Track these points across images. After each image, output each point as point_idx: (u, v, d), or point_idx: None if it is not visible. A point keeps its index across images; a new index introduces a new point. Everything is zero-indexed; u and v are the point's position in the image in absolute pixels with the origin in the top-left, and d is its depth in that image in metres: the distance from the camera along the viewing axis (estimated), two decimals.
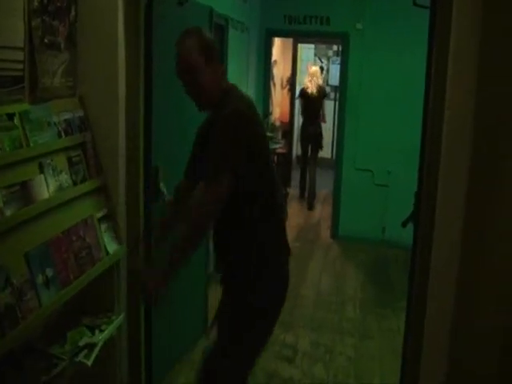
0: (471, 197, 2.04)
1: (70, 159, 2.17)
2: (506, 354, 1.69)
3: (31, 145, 1.94)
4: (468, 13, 1.98)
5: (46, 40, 2.10)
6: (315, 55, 9.60)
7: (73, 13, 2.27)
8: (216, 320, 2.16)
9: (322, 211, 6.84)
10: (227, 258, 2.05)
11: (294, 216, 6.53)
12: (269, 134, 6.01)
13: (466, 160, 2.03)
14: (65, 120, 2.19)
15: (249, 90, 5.36)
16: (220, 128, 1.85)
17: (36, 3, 2.02)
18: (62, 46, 2.22)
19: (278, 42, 7.54)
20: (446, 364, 2.16)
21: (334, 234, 5.81)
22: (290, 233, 5.90)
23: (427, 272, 2.19)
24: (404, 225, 2.48)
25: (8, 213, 1.75)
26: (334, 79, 8.90)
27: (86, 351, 2.04)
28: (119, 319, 2.35)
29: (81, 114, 2.30)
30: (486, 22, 1.95)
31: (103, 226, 2.29)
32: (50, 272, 1.88)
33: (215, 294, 4.00)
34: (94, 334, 2.16)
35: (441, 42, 2.10)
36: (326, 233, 5.96)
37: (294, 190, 7.68)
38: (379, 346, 3.59)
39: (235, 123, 1.84)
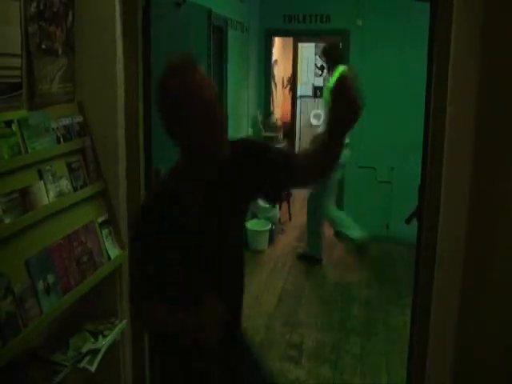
0: (475, 192, 2.03)
1: (69, 165, 2.16)
2: None
3: (30, 151, 1.94)
4: (469, 7, 1.97)
5: (43, 46, 2.09)
6: (316, 54, 9.57)
7: (70, 18, 2.26)
8: None
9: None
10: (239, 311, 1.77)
11: (298, 216, 6.52)
12: (271, 134, 5.99)
13: (469, 155, 2.02)
14: (64, 126, 2.18)
15: (249, 90, 5.35)
16: (255, 146, 1.70)
17: (32, 9, 2.01)
18: (60, 51, 2.21)
19: (278, 41, 7.53)
20: (453, 358, 2.15)
21: (338, 232, 5.78)
22: (294, 232, 5.91)
23: (432, 268, 2.18)
24: (408, 221, 2.46)
25: (7, 220, 1.75)
26: None
27: (89, 357, 2.04)
28: (122, 324, 2.35)
29: (80, 119, 2.30)
30: (488, 16, 1.93)
31: (104, 231, 2.29)
32: (51, 278, 1.88)
33: None
34: (97, 339, 2.16)
35: (442, 37, 2.08)
36: (329, 231, 5.94)
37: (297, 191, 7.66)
38: (385, 343, 3.57)
39: None
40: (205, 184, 1.56)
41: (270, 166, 1.62)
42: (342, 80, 1.41)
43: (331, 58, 4.77)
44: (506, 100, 1.89)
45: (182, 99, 1.41)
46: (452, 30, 2.01)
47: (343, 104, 1.40)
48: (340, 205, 5.77)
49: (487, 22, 1.93)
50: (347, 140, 5.45)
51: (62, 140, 2.15)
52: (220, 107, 1.49)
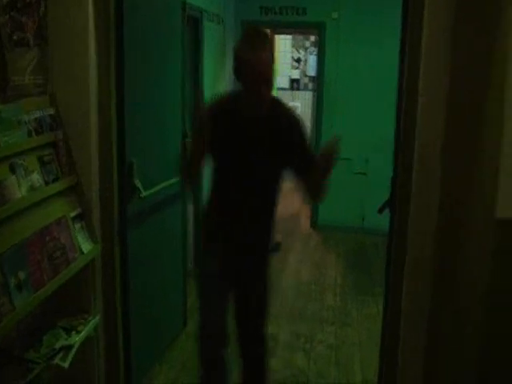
0: (445, 183, 2.07)
1: (41, 158, 2.13)
2: (483, 334, 1.72)
3: (1, 145, 1.90)
4: (440, 2, 2.00)
5: (14, 37, 2.06)
6: (292, 46, 9.58)
7: (42, 8, 2.22)
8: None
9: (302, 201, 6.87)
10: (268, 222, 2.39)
11: None
12: None
13: (440, 145, 2.06)
14: (35, 119, 2.14)
15: (226, 82, 5.33)
16: (302, 127, 2.29)
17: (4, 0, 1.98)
18: (32, 42, 2.17)
19: None
20: (425, 347, 2.20)
21: (314, 224, 5.84)
22: None
23: (403, 257, 2.22)
24: (380, 211, 2.49)
25: None
26: (312, 70, 8.92)
27: (62, 353, 2.02)
28: (96, 319, 2.33)
29: (52, 112, 2.26)
30: (460, 8, 1.96)
31: (77, 226, 2.26)
32: (22, 275, 1.85)
33: (194, 291, 4.00)
34: (70, 335, 2.14)
35: (414, 30, 2.11)
36: (305, 223, 5.99)
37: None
38: (359, 333, 3.64)
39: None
40: (249, 115, 2.18)
41: (300, 143, 2.24)
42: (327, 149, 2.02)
43: None
44: (477, 90, 1.92)
45: (246, 60, 2.07)
46: (424, 22, 2.04)
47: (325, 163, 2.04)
48: None
49: (459, 13, 1.96)
50: None
51: (33, 133, 2.11)
52: (272, 71, 2.09)
